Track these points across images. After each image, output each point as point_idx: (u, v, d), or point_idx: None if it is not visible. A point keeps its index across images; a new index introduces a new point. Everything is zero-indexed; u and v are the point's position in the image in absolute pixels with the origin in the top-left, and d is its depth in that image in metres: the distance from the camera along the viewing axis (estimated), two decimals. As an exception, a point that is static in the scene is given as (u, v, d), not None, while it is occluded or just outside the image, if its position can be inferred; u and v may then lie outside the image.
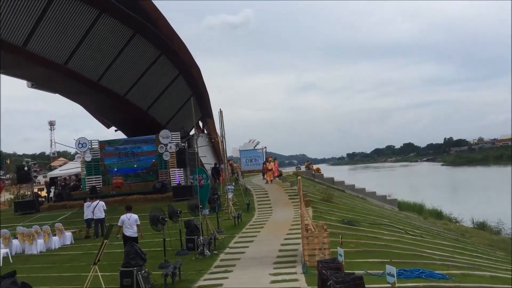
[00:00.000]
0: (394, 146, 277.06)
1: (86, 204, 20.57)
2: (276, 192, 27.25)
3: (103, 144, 31.33)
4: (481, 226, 33.13)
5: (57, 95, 30.77)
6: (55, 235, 18.66)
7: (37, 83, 27.65)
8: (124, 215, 14.17)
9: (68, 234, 19.05)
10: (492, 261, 16.14)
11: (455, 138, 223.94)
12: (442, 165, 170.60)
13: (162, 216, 12.50)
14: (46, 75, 24.41)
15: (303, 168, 44.62)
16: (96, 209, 19.83)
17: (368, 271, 10.72)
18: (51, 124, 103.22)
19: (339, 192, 34.93)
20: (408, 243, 16.79)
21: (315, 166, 43.40)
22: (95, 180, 30.93)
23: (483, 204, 46.34)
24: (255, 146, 46.33)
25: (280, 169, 35.23)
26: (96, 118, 36.00)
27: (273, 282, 10.37)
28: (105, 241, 9.76)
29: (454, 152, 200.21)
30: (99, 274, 9.78)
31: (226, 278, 11.09)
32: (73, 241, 19.16)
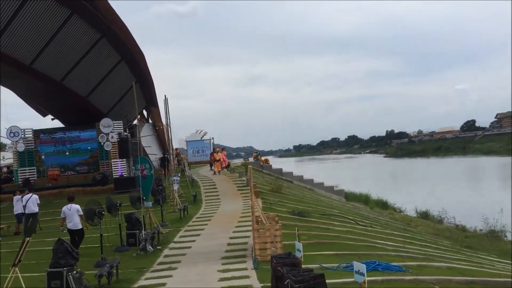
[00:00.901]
0: (339, 139, 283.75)
1: (15, 197, 18.84)
2: (224, 183, 26.36)
3: (37, 133, 29.21)
4: (424, 216, 33.83)
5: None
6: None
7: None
8: (65, 206, 13.33)
9: (-6, 231, 17.25)
10: (442, 250, 16.04)
11: (396, 131, 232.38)
12: (384, 156, 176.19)
13: (98, 209, 11.28)
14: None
15: (251, 159, 43.98)
16: (29, 202, 18.15)
17: (323, 265, 10.06)
18: None
19: (287, 183, 34.55)
20: (359, 233, 16.41)
21: (263, 158, 42.80)
22: (29, 172, 28.84)
23: (424, 194, 47.64)
24: (202, 136, 45.12)
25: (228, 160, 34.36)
26: (31, 106, 33.55)
27: (222, 279, 9.49)
28: (27, 238, 8.48)
29: (395, 144, 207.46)
30: (20, 275, 8.51)
31: (170, 276, 10.10)
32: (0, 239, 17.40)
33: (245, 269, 10.25)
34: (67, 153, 28.85)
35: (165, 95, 26.49)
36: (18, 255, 8.25)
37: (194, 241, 14.00)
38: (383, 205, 37.43)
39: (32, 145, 29.01)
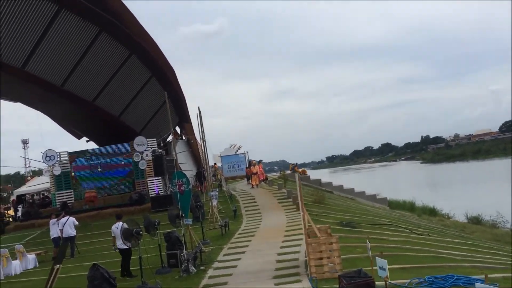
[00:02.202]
0: (373, 147, 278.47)
1: (51, 221, 18.20)
2: (264, 197, 25.25)
3: (73, 156, 28.88)
4: (476, 221, 31.84)
5: (19, 104, 28.18)
6: (16, 258, 16.20)
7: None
8: (114, 225, 12.73)
9: (31, 257, 16.61)
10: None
11: (431, 136, 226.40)
12: (421, 163, 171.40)
13: (136, 229, 10.34)
14: (2, 80, 21.94)
15: (288, 172, 42.72)
16: (65, 225, 17.48)
17: (393, 281, 8.77)
18: (25, 142, 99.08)
19: (328, 193, 33.17)
20: (418, 243, 14.98)
21: (300, 169, 41.50)
22: (66, 195, 28.48)
23: (470, 198, 45.33)
24: (237, 151, 44.20)
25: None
26: (65, 129, 33.47)
27: (278, 302, 8.34)
28: (56, 266, 7.58)
29: (431, 150, 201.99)
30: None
31: (219, 300, 9.03)
32: (37, 265, 16.72)
33: (302, 289, 9.08)
34: (99, 169, 28.27)
35: (198, 107, 25.82)
36: (48, 284, 7.34)
37: (239, 259, 12.92)
38: (430, 212, 35.48)
39: (68, 168, 28.70)
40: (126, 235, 10.27)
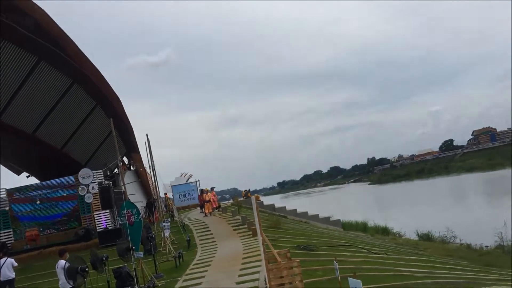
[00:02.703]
0: (322, 171, 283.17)
1: (-13, 263, 16.66)
2: (218, 224, 24.53)
3: (11, 192, 27.03)
4: (426, 238, 32.48)
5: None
6: None
7: None
8: (57, 264, 11.24)
9: (-36, 305, 15.00)
10: (471, 271, 14.47)
11: (377, 158, 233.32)
12: (369, 184, 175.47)
13: (81, 267, 9.46)
14: None
15: (241, 199, 42.12)
16: (3, 267, 16.00)
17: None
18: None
19: (282, 218, 32.83)
20: (377, 262, 14.79)
21: (252, 195, 41.01)
22: (5, 235, 26.50)
23: (418, 216, 46.53)
24: (188, 179, 43.24)
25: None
26: (3, 164, 31.44)
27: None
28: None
29: (378, 171, 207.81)
30: None
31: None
32: (-30, 313, 15.14)
33: (265, 319, 8.51)
34: (38, 202, 26.54)
35: (146, 135, 24.93)
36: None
37: (195, 291, 12.19)
38: (383, 231, 35.93)
39: (6, 206, 26.80)
40: (70, 273, 9.35)
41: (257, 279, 12.32)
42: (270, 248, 10.49)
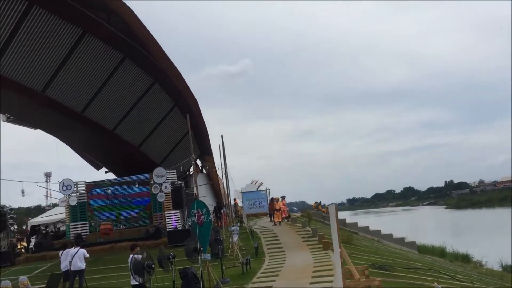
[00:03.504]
0: (395, 191, 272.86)
1: (61, 252, 17.03)
2: (287, 234, 23.76)
3: (90, 185, 27.99)
4: (512, 270, 29.59)
5: (39, 131, 27.67)
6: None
7: (14, 115, 24.53)
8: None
9: (36, 291, 15.32)
10: None
11: (455, 181, 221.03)
12: (445, 208, 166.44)
13: (147, 263, 9.09)
14: (22, 104, 21.42)
15: (310, 210, 41.03)
16: (75, 257, 16.27)
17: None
18: (47, 175, 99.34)
19: (353, 234, 31.43)
20: (464, 291, 13.28)
21: (323, 208, 39.79)
22: (81, 227, 27.43)
23: (500, 246, 42.81)
24: (258, 187, 42.89)
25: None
26: (84, 158, 32.80)
27: None
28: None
29: (456, 195, 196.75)
30: None
31: None
32: (42, 299, 15.44)
33: None
34: (109, 191, 27.13)
35: (221, 136, 24.72)
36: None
37: (263, 301, 11.50)
38: (463, 258, 33.26)
39: (84, 199, 27.78)
40: (137, 268, 9.02)
41: (330, 295, 11.43)
42: (348, 263, 9.56)
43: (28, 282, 15.24)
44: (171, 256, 10.92)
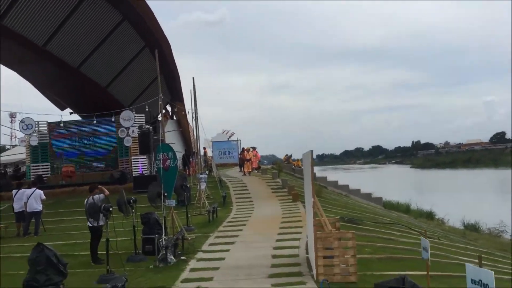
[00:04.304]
0: (363, 148, 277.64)
1: (13, 192, 16.13)
2: (257, 185, 23.33)
3: (52, 125, 26.61)
4: (473, 229, 30.20)
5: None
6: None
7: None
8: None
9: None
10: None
11: (422, 142, 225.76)
12: (411, 167, 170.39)
13: (105, 206, 8.33)
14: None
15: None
16: (31, 198, 15.39)
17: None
18: (12, 116, 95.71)
19: (323, 188, 31.34)
20: (432, 247, 13.06)
21: (294, 161, 39.52)
22: (42, 168, 26.27)
23: (462, 205, 43.82)
24: (230, 137, 42.07)
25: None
26: (48, 98, 31.13)
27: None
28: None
29: (421, 155, 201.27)
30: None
31: (200, 301, 7.06)
32: (-8, 241, 14.58)
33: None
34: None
35: (193, 78, 23.52)
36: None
37: (227, 250, 10.99)
38: (427, 215, 33.82)
39: (46, 140, 26.46)
40: (92, 210, 8.24)
41: (297, 247, 11.00)
42: (321, 214, 9.03)
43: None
44: (131, 200, 10.16)
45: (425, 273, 8.40)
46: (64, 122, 26.93)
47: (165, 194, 11.76)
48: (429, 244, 7.28)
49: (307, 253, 10.11)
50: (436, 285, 8.04)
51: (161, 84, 21.86)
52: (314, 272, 8.15)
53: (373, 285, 5.68)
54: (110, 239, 8.71)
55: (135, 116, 25.35)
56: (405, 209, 35.28)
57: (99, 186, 10.35)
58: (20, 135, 26.86)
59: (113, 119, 25.80)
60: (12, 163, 30.71)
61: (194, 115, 22.52)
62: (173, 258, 9.77)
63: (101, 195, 9.30)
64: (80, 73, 24.24)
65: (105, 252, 9.00)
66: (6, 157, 32.10)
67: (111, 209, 8.53)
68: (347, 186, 35.96)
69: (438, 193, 62.55)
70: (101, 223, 9.63)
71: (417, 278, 8.28)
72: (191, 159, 27.08)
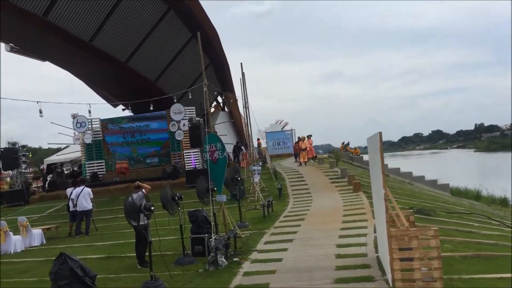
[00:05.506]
0: (422, 134, 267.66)
1: (68, 190, 15.74)
2: (314, 175, 21.99)
3: (105, 123, 26.50)
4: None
5: (48, 63, 25.83)
6: (19, 233, 13.72)
7: (18, 44, 22.60)
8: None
9: (37, 232, 14.03)
10: None
11: (486, 124, 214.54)
12: (474, 151, 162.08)
13: (145, 204, 7.39)
14: (25, 31, 19.49)
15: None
16: (80, 197, 14.92)
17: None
18: (74, 117, 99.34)
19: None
20: (520, 240, 11.29)
21: (352, 148, 37.69)
22: (97, 166, 26.25)
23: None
24: (283, 127, 40.84)
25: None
26: (99, 95, 31.17)
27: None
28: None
29: (485, 138, 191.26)
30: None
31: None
32: (44, 241, 14.18)
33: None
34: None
35: (241, 64, 22.38)
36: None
37: (285, 249, 9.83)
38: (501, 202, 31.15)
39: (100, 137, 26.40)
40: (131, 210, 7.31)
41: (364, 244, 9.67)
42: (395, 207, 7.66)
43: (28, 223, 14.04)
44: (176, 197, 9.19)
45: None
46: (117, 118, 26.80)
47: (215, 189, 10.76)
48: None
49: (376, 252, 8.78)
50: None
51: (211, 75, 21.04)
52: (389, 277, 6.83)
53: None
54: (152, 240, 7.76)
55: (186, 109, 24.66)
56: (475, 196, 32.78)
57: (138, 182, 9.48)
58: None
59: (165, 115, 25.35)
60: (68, 162, 31.04)
61: (244, 102, 21.42)
62: (224, 260, 8.72)
63: (140, 193, 8.39)
64: (129, 67, 23.78)
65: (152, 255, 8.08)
66: (61, 156, 32.54)
67: (152, 208, 7.57)
68: (410, 173, 33.84)
69: (507, 178, 58.52)
70: (144, 222, 8.76)
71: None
72: (243, 150, 26.10)
